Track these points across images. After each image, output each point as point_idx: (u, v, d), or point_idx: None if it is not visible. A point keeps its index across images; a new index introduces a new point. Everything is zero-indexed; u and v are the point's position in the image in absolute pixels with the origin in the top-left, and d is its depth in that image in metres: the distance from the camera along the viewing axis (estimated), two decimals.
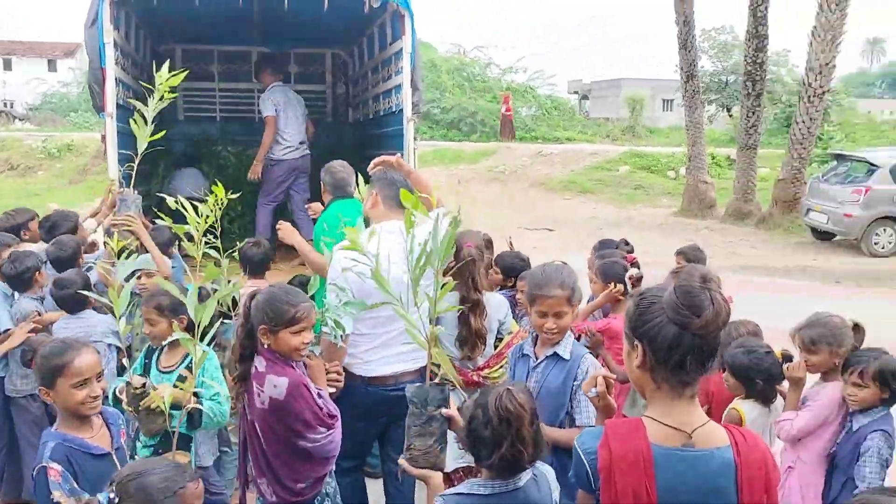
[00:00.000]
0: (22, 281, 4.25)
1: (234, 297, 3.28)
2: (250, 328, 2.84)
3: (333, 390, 3.05)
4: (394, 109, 6.60)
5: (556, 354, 2.87)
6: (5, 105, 40.93)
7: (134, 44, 6.79)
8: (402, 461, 2.44)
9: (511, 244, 5.24)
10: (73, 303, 4.06)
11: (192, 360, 3.21)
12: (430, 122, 27.88)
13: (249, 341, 2.86)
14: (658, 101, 38.52)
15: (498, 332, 3.77)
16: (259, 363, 2.82)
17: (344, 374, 3.18)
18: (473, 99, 30.07)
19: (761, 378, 3.35)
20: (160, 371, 3.40)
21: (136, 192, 4.79)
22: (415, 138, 6.19)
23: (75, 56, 45.86)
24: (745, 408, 3.37)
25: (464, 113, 29.17)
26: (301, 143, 7.54)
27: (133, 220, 4.31)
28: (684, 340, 1.76)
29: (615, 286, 4.13)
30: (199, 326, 2.67)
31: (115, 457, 2.61)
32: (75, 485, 2.41)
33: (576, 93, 43.59)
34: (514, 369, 3.04)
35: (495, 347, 3.77)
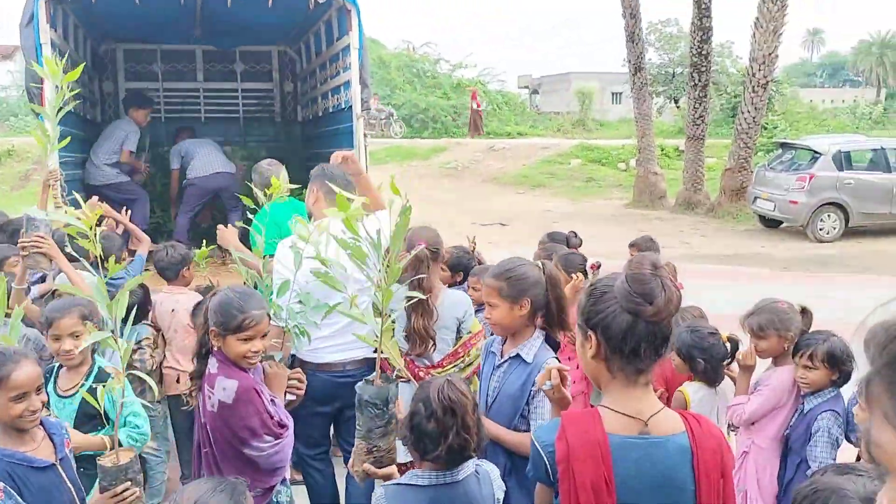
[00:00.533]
0: None
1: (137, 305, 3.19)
2: (207, 328, 2.78)
3: (294, 398, 2.99)
4: (343, 106, 6.53)
5: (518, 356, 2.76)
6: None
7: (73, 44, 6.59)
8: (367, 466, 2.39)
9: (474, 244, 5.18)
10: None
11: (95, 376, 3.13)
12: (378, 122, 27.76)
13: (206, 341, 2.80)
14: (607, 94, 38.99)
15: (458, 330, 3.69)
16: (212, 365, 2.75)
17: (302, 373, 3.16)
18: (424, 95, 30.05)
19: (702, 357, 3.41)
20: (59, 396, 3.17)
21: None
22: (365, 135, 6.13)
23: (13, 59, 44.44)
24: (690, 390, 3.43)
25: (415, 109, 29.14)
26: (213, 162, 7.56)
27: (43, 240, 3.85)
28: (638, 328, 1.76)
29: (577, 277, 4.15)
30: (115, 321, 2.49)
31: (60, 468, 2.51)
32: (20, 500, 2.31)
33: (526, 87, 43.87)
34: (483, 365, 2.99)
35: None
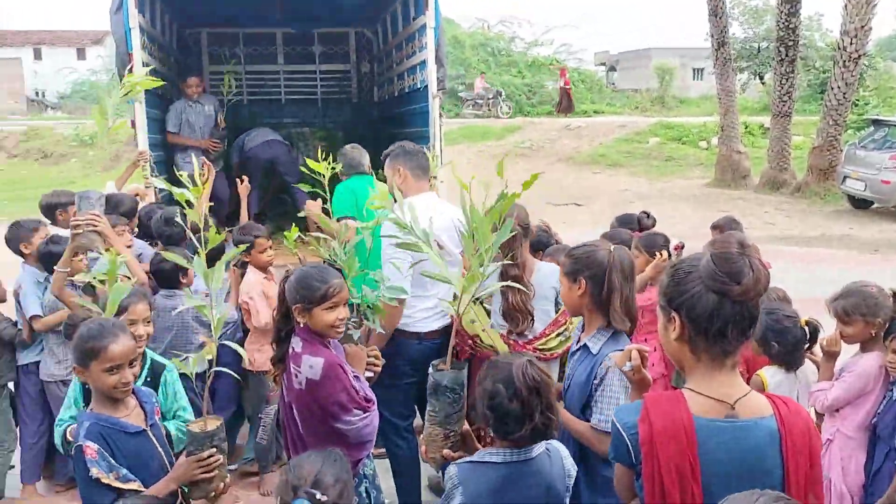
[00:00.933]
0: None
1: None
2: (286, 309, 2.84)
3: (371, 375, 3.06)
4: (418, 86, 6.55)
5: (586, 346, 2.72)
6: (37, 94, 41.53)
7: (160, 28, 6.81)
8: (447, 452, 2.39)
9: (546, 227, 5.11)
10: None
11: (147, 375, 3.19)
12: (455, 98, 27.72)
13: (285, 323, 2.86)
14: (688, 70, 37.83)
15: (556, 300, 3.64)
16: (296, 344, 2.82)
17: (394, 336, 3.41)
18: (498, 74, 29.82)
19: (776, 340, 3.30)
20: None
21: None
22: (440, 115, 6.15)
23: (103, 43, 46.22)
24: (767, 374, 3.33)
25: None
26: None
27: (98, 218, 3.70)
28: (724, 308, 1.72)
29: (661, 256, 4.08)
30: (212, 290, 2.60)
31: (150, 433, 2.65)
32: (112, 461, 2.45)
33: (602, 64, 42.99)
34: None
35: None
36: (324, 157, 7.17)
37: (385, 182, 4.47)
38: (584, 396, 2.66)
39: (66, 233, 4.77)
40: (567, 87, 27.45)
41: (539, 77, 30.10)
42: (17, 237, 4.46)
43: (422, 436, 2.49)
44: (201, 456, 2.53)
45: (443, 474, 2.34)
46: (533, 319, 3.55)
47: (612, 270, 2.67)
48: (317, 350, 2.78)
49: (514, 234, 3.33)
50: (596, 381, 2.62)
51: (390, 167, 3.94)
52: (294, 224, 4.05)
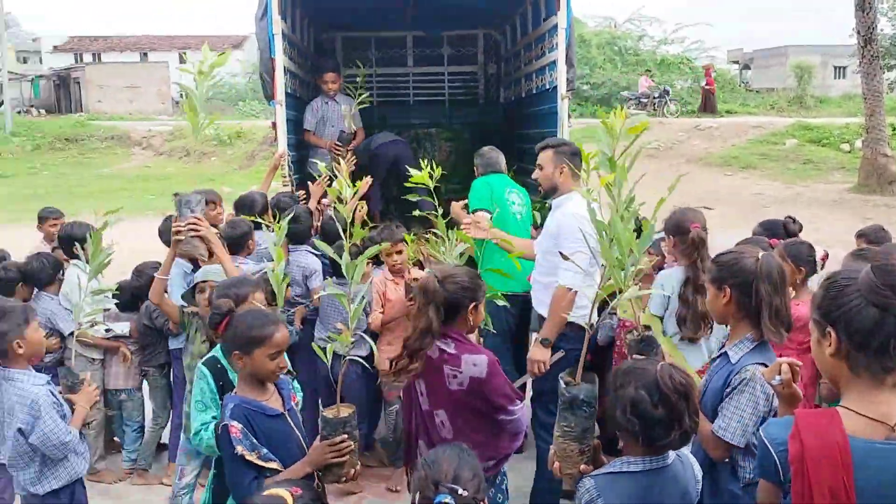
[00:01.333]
0: (238, 245, 4.51)
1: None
2: (437, 310, 2.87)
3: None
4: (547, 87, 6.52)
5: (726, 354, 2.66)
6: (182, 96, 44.19)
7: (299, 34, 7.11)
8: (584, 468, 2.34)
9: None
10: None
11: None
12: (579, 98, 27.37)
13: (430, 328, 2.87)
14: (829, 68, 35.75)
15: None
16: (446, 346, 2.87)
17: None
18: (625, 73, 29.21)
19: None
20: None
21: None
22: (568, 116, 6.09)
23: (242, 48, 48.73)
24: None
25: (615, 88, 28.39)
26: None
27: (200, 222, 3.60)
28: (886, 323, 1.63)
29: (799, 270, 3.88)
30: (351, 283, 2.74)
31: (287, 417, 2.80)
32: (255, 441, 2.60)
33: (736, 62, 41.29)
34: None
35: None
36: (450, 157, 7.40)
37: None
38: (717, 402, 2.60)
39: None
40: (710, 87, 26.42)
41: (668, 76, 29.23)
42: (169, 230, 4.79)
43: (552, 452, 2.43)
44: (334, 441, 2.63)
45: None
46: (711, 328, 3.49)
47: (760, 279, 2.57)
48: (474, 348, 2.88)
49: (693, 238, 3.32)
50: (728, 390, 2.57)
51: (553, 160, 4.02)
52: (417, 225, 4.16)
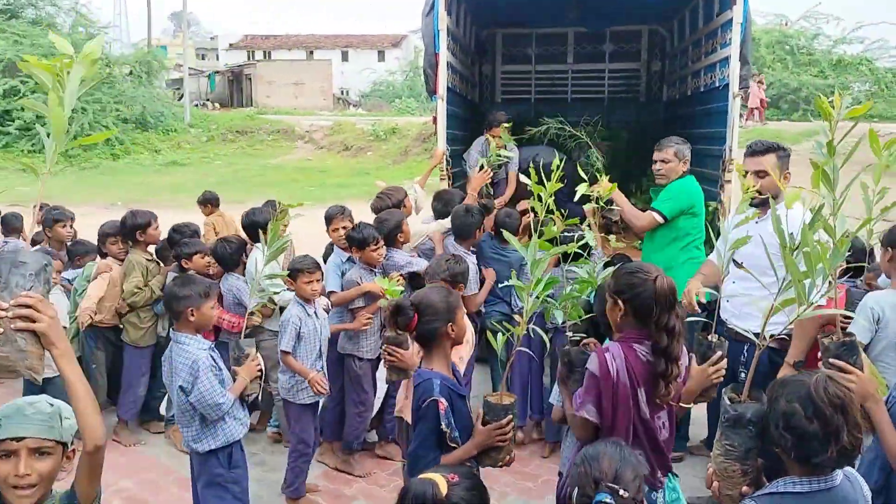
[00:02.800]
0: (387, 238, 4.77)
1: None
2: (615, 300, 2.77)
3: None
4: (717, 85, 6.21)
5: None
6: (342, 93, 46.19)
7: (462, 30, 7.18)
8: (746, 489, 2.21)
9: None
10: None
11: None
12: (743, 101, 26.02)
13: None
14: None
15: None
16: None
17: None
18: (796, 74, 27.46)
19: None
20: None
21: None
22: (740, 115, 5.77)
23: (401, 46, 50.23)
24: None
25: (784, 90, 26.78)
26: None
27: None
28: None
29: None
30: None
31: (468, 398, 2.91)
32: (452, 419, 2.69)
33: None
34: None
35: None
36: (607, 156, 7.19)
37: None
38: None
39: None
40: None
41: (844, 77, 27.20)
42: (328, 222, 5.04)
43: (710, 471, 2.32)
44: (501, 423, 2.66)
45: None
46: None
47: None
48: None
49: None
50: None
51: (778, 165, 3.83)
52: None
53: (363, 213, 5.49)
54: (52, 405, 2.04)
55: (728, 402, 2.27)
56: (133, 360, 5.34)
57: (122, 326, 5.34)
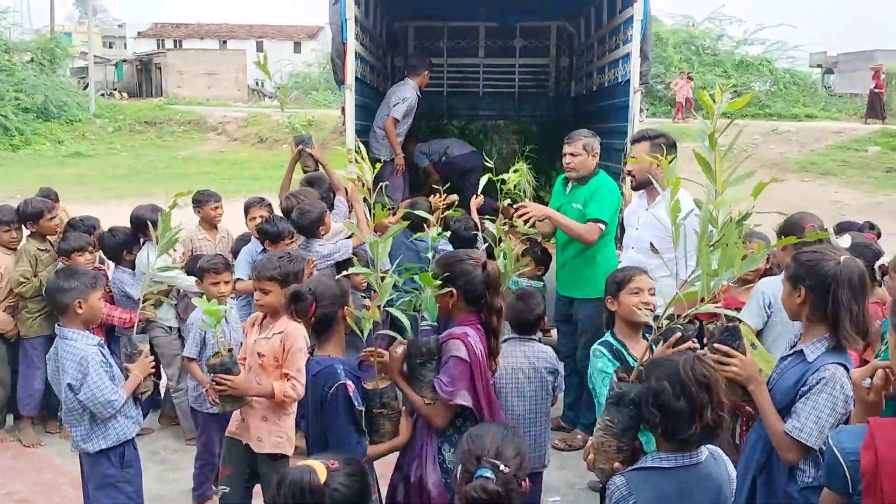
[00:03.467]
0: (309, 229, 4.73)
1: None
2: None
3: None
4: (619, 80, 6.39)
5: (801, 352, 2.57)
6: (257, 84, 45.22)
7: (372, 21, 7.15)
8: (618, 465, 2.30)
9: None
10: None
11: None
12: (652, 97, 26.83)
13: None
14: None
15: None
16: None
17: None
18: (701, 73, 28.47)
19: None
20: None
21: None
22: (641, 110, 5.96)
23: (317, 38, 49.51)
24: None
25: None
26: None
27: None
28: None
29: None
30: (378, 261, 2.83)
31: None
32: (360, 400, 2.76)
33: (819, 66, 39.79)
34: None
35: None
36: (517, 150, 7.33)
37: None
38: (786, 401, 2.54)
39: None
40: (880, 90, 23.97)
41: (746, 77, 28.39)
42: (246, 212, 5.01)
43: (589, 443, 2.42)
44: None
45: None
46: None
47: (840, 285, 2.47)
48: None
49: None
50: (804, 389, 2.48)
51: (649, 152, 3.97)
52: None
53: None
54: None
55: (615, 381, 2.35)
56: (25, 353, 5.11)
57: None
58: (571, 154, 4.94)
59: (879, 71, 24.17)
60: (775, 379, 2.65)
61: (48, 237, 5.17)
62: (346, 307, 2.87)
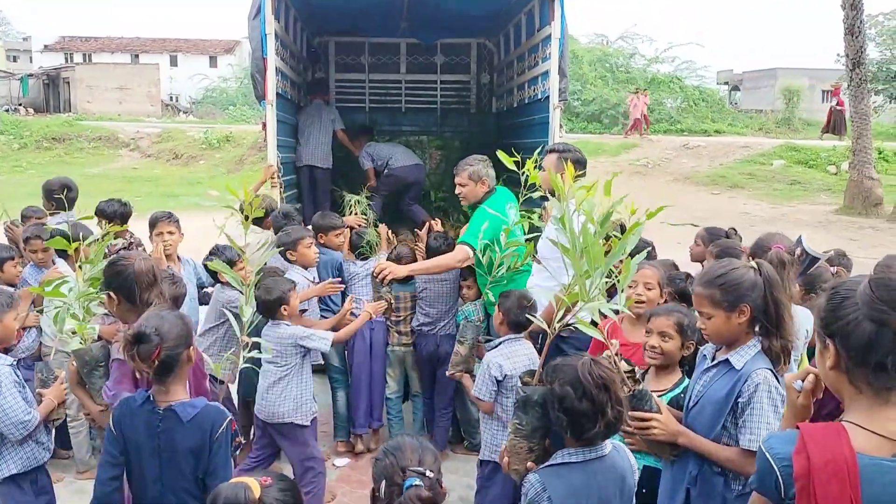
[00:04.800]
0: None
1: None
2: None
3: None
4: (539, 97, 6.49)
5: (727, 361, 2.60)
6: (171, 99, 44.08)
7: (292, 36, 7.06)
8: (531, 465, 2.45)
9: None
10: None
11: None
12: (569, 114, 27.49)
13: None
14: (816, 91, 36.06)
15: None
16: None
17: None
18: (616, 90, 29.36)
19: None
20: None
21: None
22: (560, 126, 6.07)
23: (234, 53, 48.67)
24: None
25: (605, 105, 28.55)
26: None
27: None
28: (883, 340, 1.56)
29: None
30: None
31: None
32: None
33: (726, 83, 41.61)
34: (697, 367, 2.83)
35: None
36: (440, 165, 7.45)
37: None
38: (722, 415, 2.56)
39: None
40: (840, 107, 23.93)
41: (658, 94, 29.41)
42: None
43: (503, 447, 2.55)
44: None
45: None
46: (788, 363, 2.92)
47: (773, 287, 2.58)
48: None
49: (780, 258, 3.03)
50: (742, 400, 2.51)
51: (556, 165, 4.08)
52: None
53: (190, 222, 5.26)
54: None
55: (520, 385, 2.48)
56: None
57: None
58: (460, 184, 4.94)
59: (839, 89, 24.33)
60: (701, 392, 2.67)
61: None
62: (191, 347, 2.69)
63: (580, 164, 4.24)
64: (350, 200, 6.31)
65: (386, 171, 7.67)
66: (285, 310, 4.22)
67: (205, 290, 5.03)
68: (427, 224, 6.06)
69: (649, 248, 4.66)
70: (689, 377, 2.97)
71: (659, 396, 2.86)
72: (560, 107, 5.95)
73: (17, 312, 3.29)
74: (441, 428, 5.29)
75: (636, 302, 3.61)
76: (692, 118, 28.97)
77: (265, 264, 4.11)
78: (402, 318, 5.30)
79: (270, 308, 4.18)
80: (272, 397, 4.23)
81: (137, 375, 2.84)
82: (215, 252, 4.66)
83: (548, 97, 6.01)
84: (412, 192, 7.78)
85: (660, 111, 27.59)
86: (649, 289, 3.70)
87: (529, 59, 6.95)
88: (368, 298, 5.09)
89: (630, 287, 3.41)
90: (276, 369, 4.23)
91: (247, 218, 3.49)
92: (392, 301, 4.89)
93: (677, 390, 3.11)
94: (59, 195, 5.30)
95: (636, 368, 2.83)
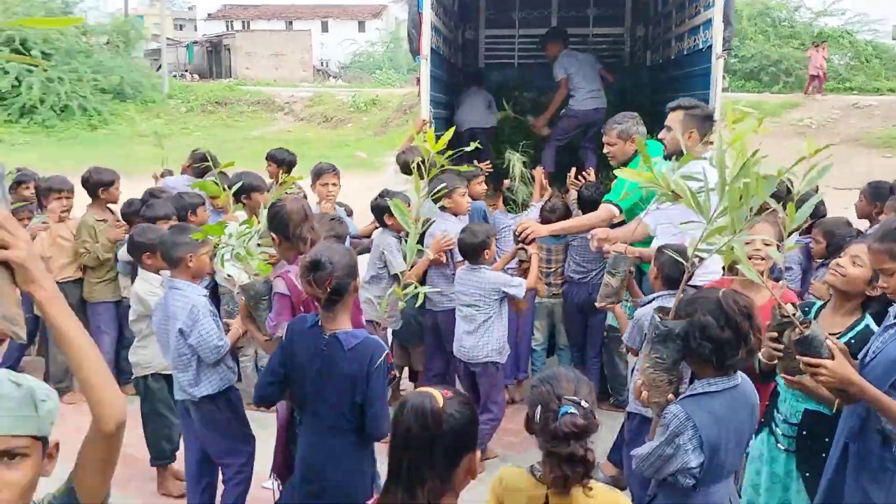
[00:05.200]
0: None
1: None
2: None
3: None
4: (700, 47, 6.21)
5: None
6: (322, 64, 45.66)
7: None
8: (671, 396, 2.49)
9: None
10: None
11: None
12: (725, 71, 25.99)
13: None
14: None
15: None
16: None
17: None
18: (777, 46, 27.49)
19: None
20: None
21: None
22: (723, 77, 5.78)
23: (381, 17, 49.66)
24: None
25: (766, 62, 26.81)
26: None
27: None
28: None
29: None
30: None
31: None
32: None
33: None
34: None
35: None
36: None
37: None
38: (893, 374, 2.43)
39: None
40: None
41: (827, 50, 27.28)
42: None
43: (639, 382, 2.56)
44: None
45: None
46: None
47: None
48: None
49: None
50: None
51: (683, 122, 3.94)
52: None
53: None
54: (18, 384, 1.41)
55: (658, 320, 2.49)
56: (92, 317, 5.32)
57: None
58: (608, 143, 4.80)
59: None
60: (878, 349, 2.54)
61: (108, 206, 5.39)
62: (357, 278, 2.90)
63: (708, 119, 4.06)
64: (511, 157, 6.28)
65: (565, 109, 7.39)
66: (487, 254, 4.37)
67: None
68: (574, 170, 5.94)
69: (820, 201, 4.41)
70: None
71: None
72: (724, 56, 5.66)
73: (209, 249, 3.61)
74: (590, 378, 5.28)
75: (753, 259, 3.25)
76: (863, 76, 26.65)
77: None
78: (552, 269, 5.30)
79: (474, 251, 4.37)
80: (474, 340, 4.41)
81: (298, 310, 3.12)
82: (384, 195, 4.83)
83: (710, 46, 5.75)
84: (591, 133, 7.33)
85: (828, 68, 25.57)
86: (767, 244, 3.39)
87: (690, 8, 6.64)
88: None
89: (747, 244, 3.19)
90: (477, 314, 4.41)
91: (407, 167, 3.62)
92: (528, 258, 4.71)
93: (851, 333, 2.89)
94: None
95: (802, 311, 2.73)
